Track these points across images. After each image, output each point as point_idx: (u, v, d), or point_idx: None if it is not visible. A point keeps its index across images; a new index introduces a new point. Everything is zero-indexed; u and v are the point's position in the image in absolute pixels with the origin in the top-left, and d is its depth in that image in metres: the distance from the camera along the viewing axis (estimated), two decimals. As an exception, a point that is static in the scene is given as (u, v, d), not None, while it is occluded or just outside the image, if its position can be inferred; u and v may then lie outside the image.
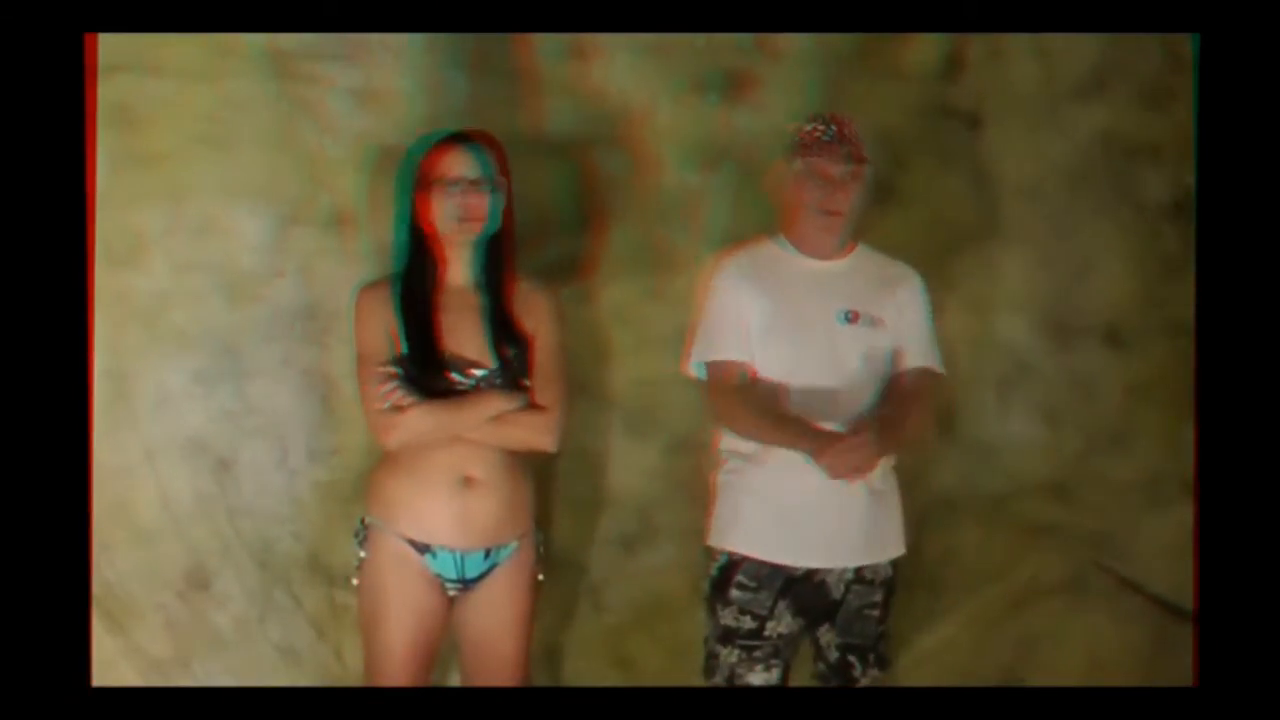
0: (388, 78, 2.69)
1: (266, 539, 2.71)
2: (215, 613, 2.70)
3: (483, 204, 2.38)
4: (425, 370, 2.35)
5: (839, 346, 2.46)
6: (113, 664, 2.61)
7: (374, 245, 2.66)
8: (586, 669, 2.90)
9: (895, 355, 2.53)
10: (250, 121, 2.63)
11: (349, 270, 2.65)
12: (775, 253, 2.53)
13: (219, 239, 2.64)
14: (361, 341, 2.40)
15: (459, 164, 2.38)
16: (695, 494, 2.65)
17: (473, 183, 2.37)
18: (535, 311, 2.46)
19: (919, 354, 2.55)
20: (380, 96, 2.69)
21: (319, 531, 2.72)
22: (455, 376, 2.37)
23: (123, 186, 2.56)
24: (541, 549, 2.53)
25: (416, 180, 2.41)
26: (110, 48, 2.46)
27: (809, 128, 2.47)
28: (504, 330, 2.41)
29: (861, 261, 2.55)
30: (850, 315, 2.47)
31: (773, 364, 2.46)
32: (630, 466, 2.90)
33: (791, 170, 2.48)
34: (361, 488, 2.53)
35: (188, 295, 2.64)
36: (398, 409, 2.32)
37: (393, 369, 2.34)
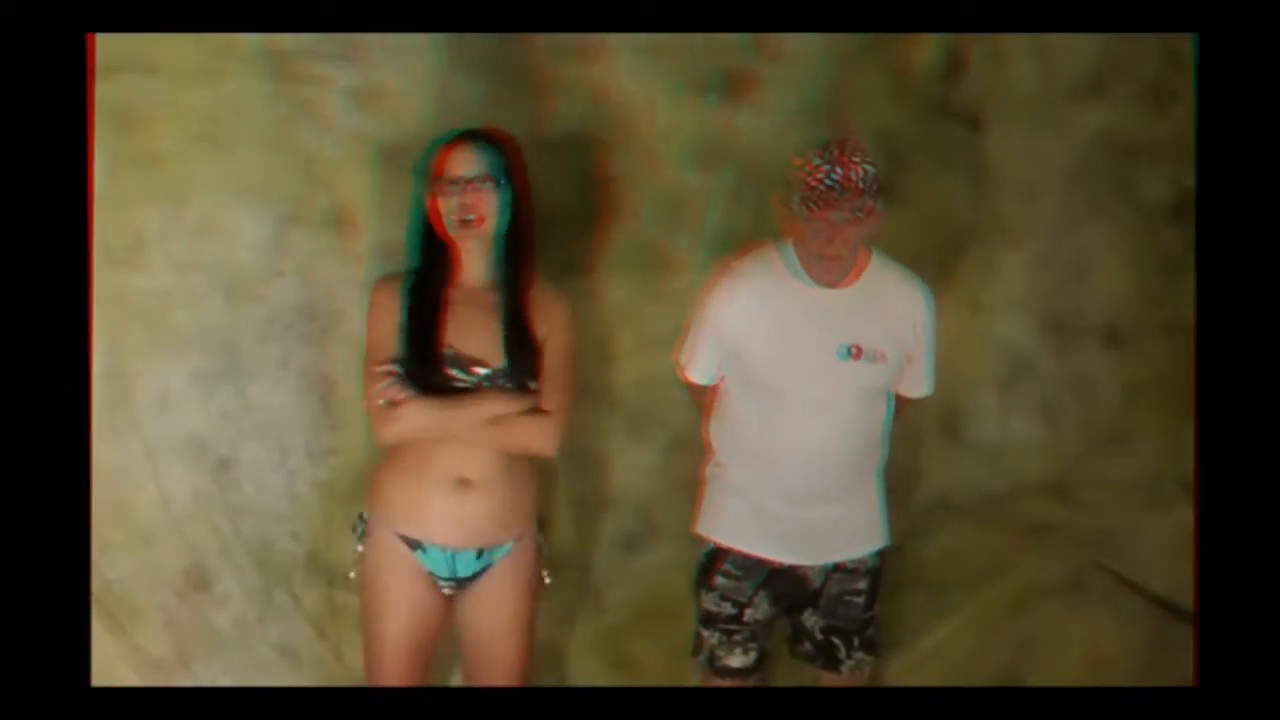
0: (387, 78, 2.68)
1: (266, 539, 2.71)
2: (215, 613, 2.70)
3: (482, 203, 2.33)
4: (424, 366, 2.33)
5: (837, 382, 2.43)
6: (112, 664, 2.62)
7: (374, 245, 2.66)
8: (587, 669, 2.90)
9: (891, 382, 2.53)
10: (249, 121, 2.62)
11: (349, 270, 2.66)
12: (780, 273, 2.44)
13: (219, 239, 2.64)
14: (370, 334, 2.37)
15: (460, 163, 2.34)
16: (695, 494, 2.65)
17: (471, 181, 2.32)
18: (550, 316, 2.42)
19: (913, 385, 2.58)
20: (379, 96, 2.68)
21: (318, 531, 2.72)
22: (456, 374, 2.34)
23: (122, 186, 2.56)
24: (545, 549, 2.52)
25: (426, 180, 2.38)
26: (110, 48, 2.45)
27: (812, 166, 2.29)
28: (514, 330, 2.37)
29: (871, 284, 2.44)
30: (852, 350, 2.42)
31: (768, 392, 2.45)
32: (631, 466, 2.90)
33: (792, 208, 2.35)
34: (361, 487, 2.53)
35: (188, 295, 2.64)
36: (394, 404, 2.30)
37: (392, 365, 2.33)
